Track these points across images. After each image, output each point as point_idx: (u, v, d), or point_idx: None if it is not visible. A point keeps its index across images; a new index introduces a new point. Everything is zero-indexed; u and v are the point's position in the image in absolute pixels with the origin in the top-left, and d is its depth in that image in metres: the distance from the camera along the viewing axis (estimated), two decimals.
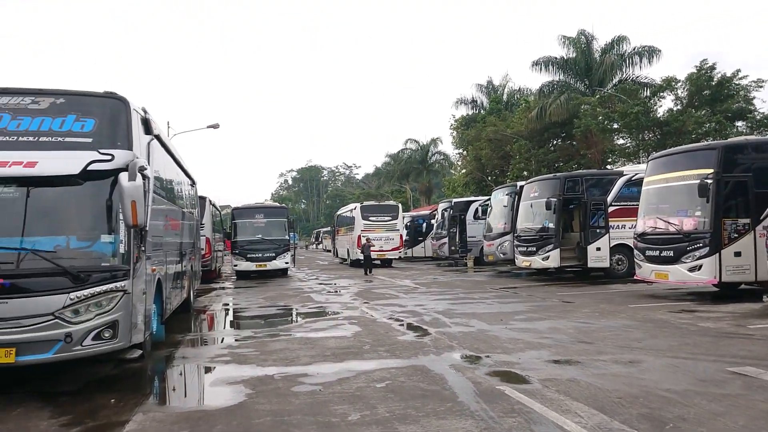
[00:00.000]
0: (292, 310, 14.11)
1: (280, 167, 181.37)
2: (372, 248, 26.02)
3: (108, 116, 7.20)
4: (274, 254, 24.09)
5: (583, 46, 37.23)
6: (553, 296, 14.84)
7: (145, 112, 8.34)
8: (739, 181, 12.39)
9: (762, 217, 12.16)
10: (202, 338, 10.97)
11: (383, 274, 24.48)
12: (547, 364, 7.43)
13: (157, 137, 9.21)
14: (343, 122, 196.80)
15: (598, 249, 17.98)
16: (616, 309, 12.08)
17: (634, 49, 35.74)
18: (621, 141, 34.03)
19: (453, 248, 28.72)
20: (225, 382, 7.11)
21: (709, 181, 12.16)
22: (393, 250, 29.63)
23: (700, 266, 12.25)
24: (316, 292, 17.81)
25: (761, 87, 28.05)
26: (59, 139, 6.85)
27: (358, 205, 31.96)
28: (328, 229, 57.90)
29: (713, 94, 28.13)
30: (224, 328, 12.44)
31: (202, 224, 20.64)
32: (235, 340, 10.19)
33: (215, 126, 33.09)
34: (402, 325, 11.00)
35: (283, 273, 25.19)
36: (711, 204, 12.20)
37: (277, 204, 33.28)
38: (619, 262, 18.50)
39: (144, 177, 7.32)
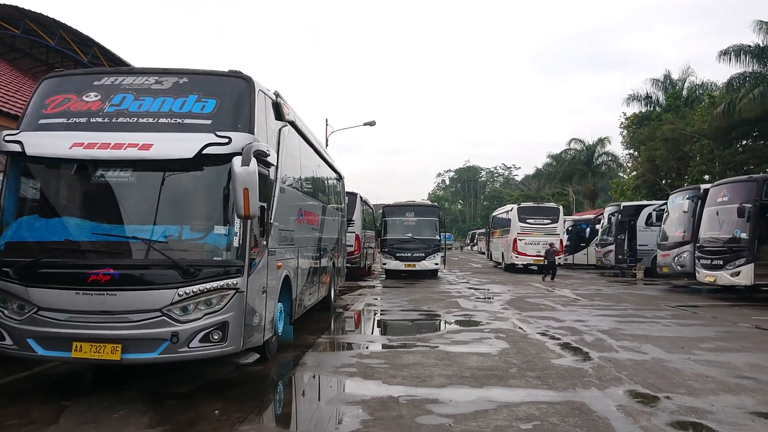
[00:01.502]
0: (435, 316, 13.03)
1: (439, 167, 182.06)
2: (528, 253, 24.25)
3: (230, 96, 6.58)
4: (423, 254, 23.24)
5: None
6: (746, 320, 12.37)
7: (278, 96, 7.69)
8: None
9: None
10: (332, 342, 10.19)
11: (539, 282, 22.63)
12: (754, 417, 5.64)
13: (292, 124, 8.57)
14: (503, 122, 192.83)
15: None
16: None
17: None
18: None
19: (620, 257, 26.33)
20: (343, 401, 6.19)
21: None
22: None
23: None
24: (464, 298, 16.60)
25: None
26: (178, 120, 6.30)
27: (515, 206, 30.09)
28: (484, 230, 56.16)
29: None
30: (359, 332, 11.63)
31: (351, 221, 20.33)
32: (366, 348, 9.36)
33: (371, 123, 32.97)
34: (558, 344, 9.44)
35: (432, 274, 24.27)
36: None
37: (429, 202, 32.43)
38: None
39: (266, 164, 6.65)
